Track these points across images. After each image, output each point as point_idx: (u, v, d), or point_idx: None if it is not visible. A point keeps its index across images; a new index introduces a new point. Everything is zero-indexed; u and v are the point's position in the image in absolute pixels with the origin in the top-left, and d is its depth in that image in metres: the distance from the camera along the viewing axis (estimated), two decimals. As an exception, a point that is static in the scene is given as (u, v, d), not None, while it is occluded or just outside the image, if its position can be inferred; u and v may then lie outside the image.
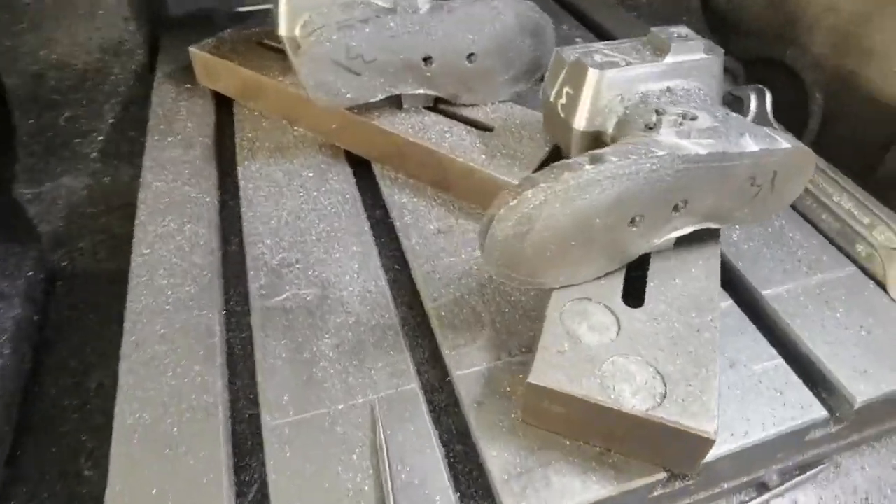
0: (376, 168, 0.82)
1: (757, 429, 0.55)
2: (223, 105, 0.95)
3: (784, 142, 0.55)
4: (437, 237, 0.72)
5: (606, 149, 0.50)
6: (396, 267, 0.72)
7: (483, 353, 0.60)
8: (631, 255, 0.58)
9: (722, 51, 0.65)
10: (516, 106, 0.81)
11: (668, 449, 0.51)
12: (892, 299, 0.66)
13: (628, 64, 0.63)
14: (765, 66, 1.40)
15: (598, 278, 0.58)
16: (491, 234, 0.50)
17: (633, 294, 0.58)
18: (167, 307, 0.64)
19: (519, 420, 0.55)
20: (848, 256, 0.70)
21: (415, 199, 0.77)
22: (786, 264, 0.69)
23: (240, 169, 0.82)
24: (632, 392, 0.50)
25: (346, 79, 0.73)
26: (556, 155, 0.74)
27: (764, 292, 0.66)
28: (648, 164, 0.49)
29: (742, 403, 0.57)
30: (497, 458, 0.52)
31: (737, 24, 1.39)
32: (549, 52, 0.79)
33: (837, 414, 0.59)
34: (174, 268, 0.68)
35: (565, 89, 0.66)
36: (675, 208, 0.54)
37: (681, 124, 0.52)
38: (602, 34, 1.19)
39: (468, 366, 0.59)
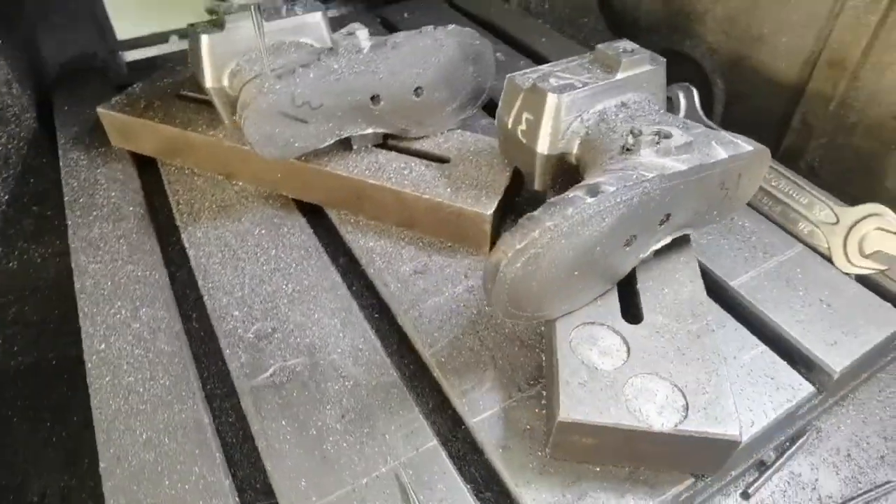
0: (332, 214, 0.79)
1: (760, 417, 0.58)
2: (145, 166, 0.88)
3: (746, 144, 0.58)
4: (414, 278, 0.70)
5: (599, 179, 0.51)
6: (378, 316, 0.69)
7: (493, 393, 0.59)
8: (622, 274, 0.59)
9: (664, 60, 0.68)
10: (466, 133, 0.80)
11: (696, 456, 0.52)
12: (838, 270, 0.72)
13: (584, 85, 0.64)
14: (666, 56, 1.49)
15: (595, 299, 0.59)
16: (500, 279, 0.49)
17: (629, 310, 0.59)
18: (142, 407, 0.58)
19: (547, 457, 0.54)
20: (793, 236, 0.76)
21: (381, 242, 0.74)
22: (744, 252, 0.74)
23: (184, 236, 0.75)
24: (657, 410, 0.51)
25: (294, 128, 0.69)
26: (517, 178, 0.74)
27: (732, 283, 0.70)
28: (641, 189, 0.50)
29: (742, 396, 0.59)
30: (536, 500, 0.51)
31: (635, 21, 1.47)
32: (491, 76, 0.79)
33: (818, 386, 0.64)
34: (138, 360, 0.62)
35: (524, 115, 0.66)
36: (661, 223, 0.56)
37: (657, 143, 0.54)
38: (516, 45, 1.21)
39: (482, 410, 0.57)
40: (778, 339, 0.66)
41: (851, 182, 1.08)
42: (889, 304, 0.68)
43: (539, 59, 1.14)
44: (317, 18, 0.77)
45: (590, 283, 0.56)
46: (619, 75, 0.65)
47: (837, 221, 0.73)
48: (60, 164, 0.87)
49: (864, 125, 1.04)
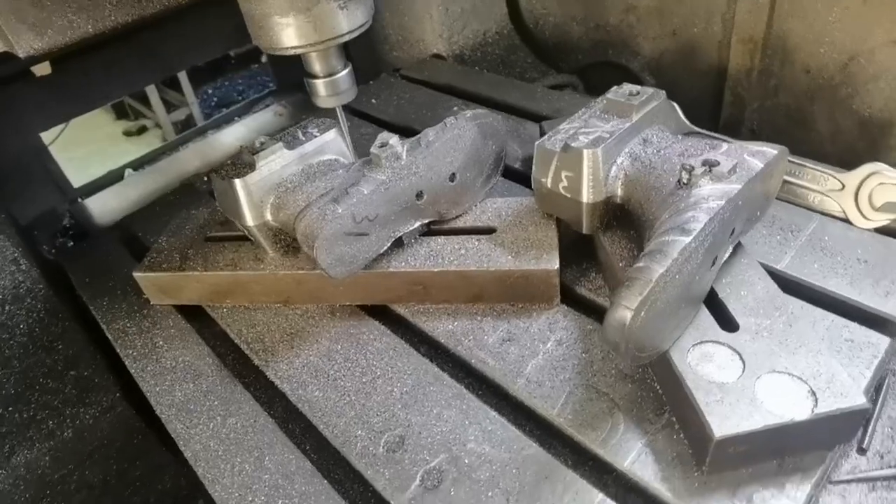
0: (399, 309, 0.81)
1: (860, 379, 0.64)
2: (191, 316, 0.88)
3: (770, 149, 0.66)
4: (505, 347, 0.73)
5: (686, 216, 0.57)
6: (490, 394, 0.71)
7: (629, 434, 0.63)
8: (707, 291, 0.65)
9: (664, 92, 0.76)
10: (496, 200, 0.85)
11: (832, 432, 0.58)
12: (858, 227, 0.81)
13: (611, 135, 0.70)
14: (596, 70, 1.61)
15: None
16: (627, 333, 0.54)
17: (722, 321, 0.65)
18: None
19: (703, 474, 0.58)
20: (808, 208, 0.84)
21: (458, 323, 0.77)
22: (775, 236, 0.81)
23: (269, 374, 0.76)
24: (791, 403, 0.56)
25: (358, 243, 0.72)
26: (566, 229, 0.79)
27: (779, 267, 0.77)
28: (720, 217, 0.56)
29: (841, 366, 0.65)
30: (715, 516, 0.55)
31: (559, 46, 1.58)
32: (505, 143, 0.85)
33: (889, 335, 0.71)
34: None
35: (563, 174, 0.72)
36: (730, 234, 0.63)
37: (710, 172, 0.61)
38: (470, 97, 1.27)
39: (628, 452, 0.61)
40: (840, 305, 0.73)
41: (788, 135, 1.20)
42: (912, 245, 0.77)
43: (497, 105, 1.21)
44: (334, 134, 0.81)
45: (689, 309, 0.61)
46: (636, 117, 0.72)
47: (843, 187, 0.82)
48: (109, 336, 0.86)
49: (784, 85, 1.17)
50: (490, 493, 0.60)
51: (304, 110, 1.41)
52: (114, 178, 1.37)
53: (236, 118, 1.53)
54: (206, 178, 1.21)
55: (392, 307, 0.82)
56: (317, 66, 0.75)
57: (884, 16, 0.97)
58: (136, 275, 0.85)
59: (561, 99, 1.21)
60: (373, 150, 0.73)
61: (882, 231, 0.80)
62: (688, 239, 0.53)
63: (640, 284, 0.53)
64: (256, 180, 0.76)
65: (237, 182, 0.75)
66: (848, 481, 0.62)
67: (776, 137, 1.21)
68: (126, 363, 0.81)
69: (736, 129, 1.26)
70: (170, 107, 3.79)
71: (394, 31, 1.43)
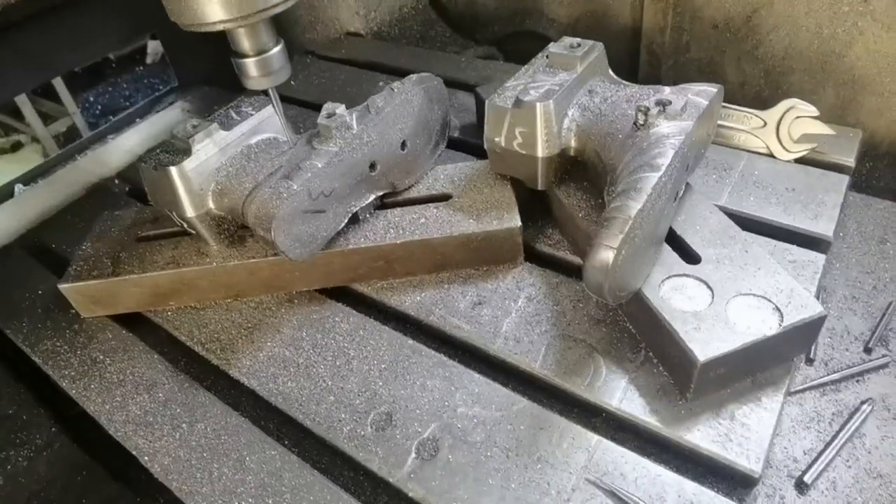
0: (361, 287, 0.78)
1: (808, 291, 0.69)
2: (131, 324, 0.81)
3: (709, 87, 0.69)
4: (478, 311, 0.73)
5: (652, 152, 0.58)
6: (471, 357, 0.70)
7: (612, 375, 0.64)
8: (668, 226, 0.67)
9: (602, 43, 0.77)
10: (446, 166, 0.84)
11: (795, 342, 0.62)
12: (782, 160, 0.87)
13: (559, 87, 0.71)
14: (513, 39, 1.63)
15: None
16: (610, 271, 0.55)
17: (685, 255, 0.67)
18: None
19: (688, 401, 0.61)
20: (736, 147, 0.90)
21: (426, 293, 0.76)
22: (712, 175, 0.86)
23: (232, 373, 0.71)
24: (760, 320, 0.59)
25: (316, 221, 0.68)
26: (522, 185, 0.79)
27: (720, 203, 0.81)
28: (681, 151, 0.58)
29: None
30: (706, 437, 0.58)
31: (475, 18, 1.58)
32: (448, 107, 0.83)
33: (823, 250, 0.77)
34: (281, 506, 0.58)
35: (517, 130, 0.72)
36: (685, 171, 0.65)
37: (664, 111, 0.62)
38: (393, 71, 1.25)
39: (615, 392, 0.63)
40: (778, 231, 0.78)
41: None
42: (828, 171, 0.84)
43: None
44: (272, 111, 0.76)
45: (657, 246, 0.63)
46: (580, 68, 0.73)
47: (765, 124, 0.87)
48: (37, 360, 0.77)
49: (695, 40, 1.24)
50: (489, 453, 0.60)
51: (211, 105, 1.32)
52: (4, 194, 1.23)
53: (137, 119, 1.41)
54: (116, 181, 1.11)
55: (353, 287, 0.79)
56: (245, 44, 0.68)
57: (780, -31, 1.04)
58: (63, 286, 0.77)
59: (486, 67, 1.21)
60: (320, 121, 0.69)
61: (802, 161, 0.86)
62: (658, 174, 0.55)
63: (619, 223, 0.54)
64: (194, 166, 0.70)
65: (172, 170, 0.69)
66: (803, 390, 0.67)
67: (691, 90, 1.28)
68: (63, 386, 0.73)
69: (654, 85, 1.33)
70: (47, 118, 3.45)
71: (305, 13, 1.37)
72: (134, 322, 0.81)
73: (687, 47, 1.23)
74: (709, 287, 0.63)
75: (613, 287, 0.57)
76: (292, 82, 1.24)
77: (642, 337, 0.67)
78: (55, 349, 0.78)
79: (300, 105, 1.18)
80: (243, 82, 0.70)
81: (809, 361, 0.71)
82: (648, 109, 0.62)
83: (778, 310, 0.60)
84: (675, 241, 0.69)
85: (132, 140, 1.34)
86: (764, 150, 0.88)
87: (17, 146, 3.67)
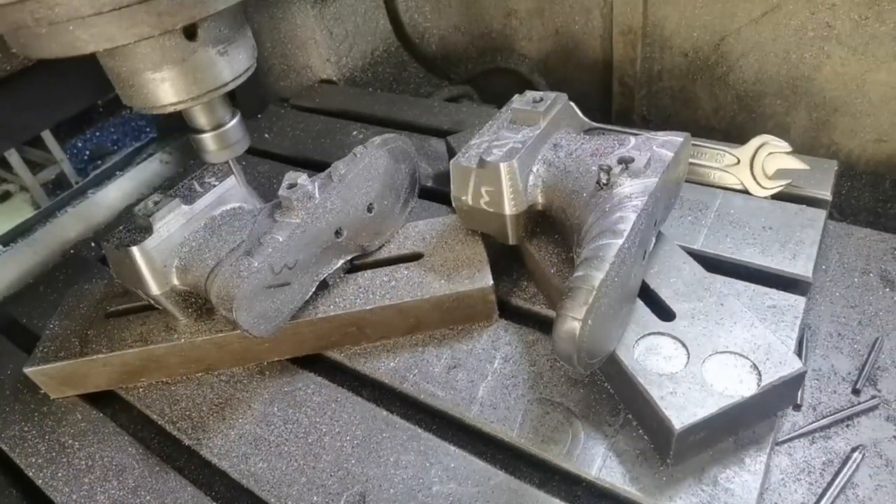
0: (334, 355, 0.77)
1: (790, 343, 0.68)
2: (99, 402, 0.79)
3: (675, 137, 0.68)
4: (453, 375, 0.71)
5: (613, 217, 0.57)
6: (446, 427, 0.69)
7: (592, 441, 0.62)
8: (640, 283, 0.66)
9: (565, 94, 0.77)
10: (417, 223, 0.83)
11: (777, 399, 0.60)
12: (757, 196, 0.86)
13: (523, 144, 0.70)
14: (486, 76, 1.63)
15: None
16: (578, 342, 0.53)
17: (659, 311, 0.66)
18: None
19: (669, 466, 0.59)
20: (710, 185, 0.88)
21: (399, 358, 0.74)
22: (688, 217, 0.84)
23: (203, 453, 0.69)
24: (738, 380, 0.58)
25: (280, 295, 0.67)
26: (490, 242, 0.78)
27: (696, 247, 0.80)
28: (646, 210, 0.56)
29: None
30: (683, 499, 0.56)
31: (448, 57, 1.59)
32: (416, 165, 0.82)
33: (803, 293, 0.75)
34: None
35: (483, 189, 0.71)
36: (654, 226, 0.64)
37: (626, 169, 0.61)
38: (368, 120, 1.24)
39: (594, 459, 0.61)
40: (756, 273, 0.76)
41: (678, 115, 1.28)
42: (804, 205, 0.82)
43: (396, 125, 1.18)
44: (233, 181, 0.75)
45: (628, 305, 0.62)
46: (543, 123, 0.72)
47: (738, 161, 0.86)
48: (3, 447, 0.75)
49: (665, 70, 1.24)
50: (465, 536, 0.57)
51: (191, 154, 1.31)
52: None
53: (118, 172, 1.40)
54: (93, 244, 1.10)
55: (326, 354, 0.77)
56: (202, 120, 0.67)
57: (742, -1, 1.05)
58: (29, 370, 0.75)
59: (459, 111, 1.20)
60: (281, 192, 0.68)
61: (778, 196, 0.85)
62: (621, 241, 0.54)
63: (583, 293, 0.52)
64: (156, 244, 0.68)
65: (134, 250, 0.68)
66: (791, 439, 0.64)
67: (665, 119, 1.28)
68: (30, 475, 0.71)
69: (628, 117, 1.32)
70: (35, 167, 3.45)
71: (277, 61, 1.37)
72: (105, 400, 0.79)
73: (659, 76, 1.23)
74: (684, 346, 0.61)
75: (583, 355, 0.55)
76: (266, 135, 1.24)
77: (620, 398, 0.65)
78: (22, 435, 0.76)
79: (275, 159, 1.18)
80: (202, 156, 0.69)
81: (797, 407, 0.70)
82: (611, 169, 0.61)
83: (756, 367, 0.58)
84: (649, 296, 0.67)
85: (113, 194, 1.33)
86: (739, 187, 0.87)
87: (5, 196, 3.68)
